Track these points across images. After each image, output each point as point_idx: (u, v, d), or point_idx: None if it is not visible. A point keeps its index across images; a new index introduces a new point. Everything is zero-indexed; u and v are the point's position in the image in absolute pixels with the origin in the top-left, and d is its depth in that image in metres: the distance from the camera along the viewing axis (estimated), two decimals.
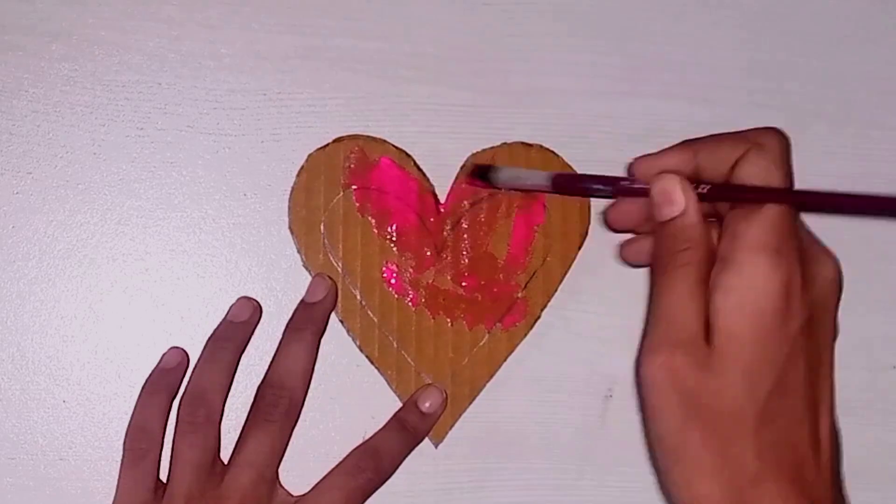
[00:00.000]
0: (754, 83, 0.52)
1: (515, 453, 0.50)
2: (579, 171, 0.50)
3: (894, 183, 0.52)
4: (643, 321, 0.50)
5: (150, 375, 0.48)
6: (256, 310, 0.49)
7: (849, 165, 0.52)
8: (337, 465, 0.48)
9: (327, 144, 0.49)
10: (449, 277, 0.50)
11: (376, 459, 0.47)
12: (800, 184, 0.52)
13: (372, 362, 0.49)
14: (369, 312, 0.49)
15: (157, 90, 0.49)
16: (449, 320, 0.50)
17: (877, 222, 0.52)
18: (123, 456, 0.47)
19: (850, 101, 0.53)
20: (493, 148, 0.50)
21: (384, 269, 0.49)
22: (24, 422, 0.49)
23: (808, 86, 0.52)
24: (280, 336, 0.48)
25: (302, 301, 0.49)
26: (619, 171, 0.50)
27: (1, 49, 0.49)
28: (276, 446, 0.47)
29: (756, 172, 0.41)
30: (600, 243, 0.51)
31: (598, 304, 0.51)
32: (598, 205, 0.50)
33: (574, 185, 0.47)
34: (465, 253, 0.50)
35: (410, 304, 0.50)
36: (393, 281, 0.49)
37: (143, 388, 0.48)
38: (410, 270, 0.50)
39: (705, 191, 0.42)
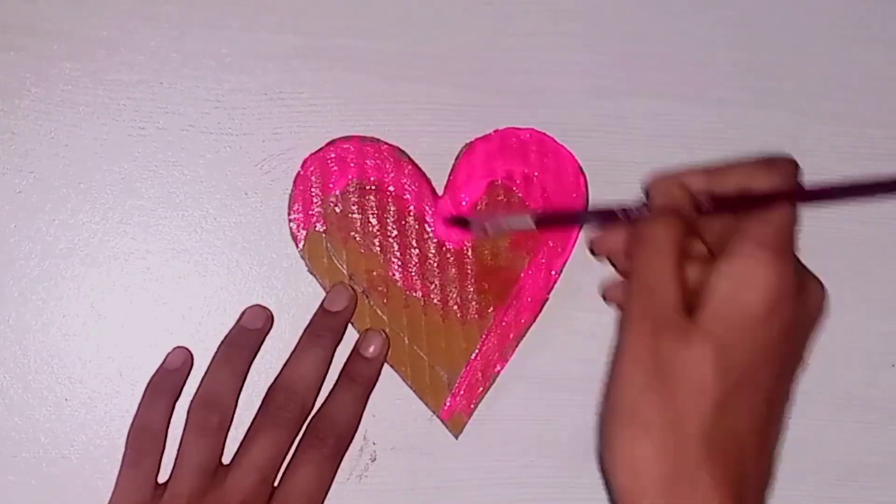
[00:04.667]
0: (754, 83, 0.52)
1: (515, 452, 0.50)
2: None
3: None
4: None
5: (154, 376, 0.48)
6: (269, 318, 0.49)
7: (849, 165, 0.52)
8: (299, 442, 0.47)
9: (321, 148, 0.49)
10: (454, 269, 0.50)
11: (334, 424, 0.47)
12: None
13: (385, 360, 0.49)
14: (378, 311, 0.49)
15: (159, 90, 0.50)
16: (458, 310, 0.50)
17: (876, 222, 0.52)
18: (125, 455, 0.47)
19: (850, 101, 0.53)
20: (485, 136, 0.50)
21: (388, 266, 0.50)
22: (27, 420, 0.49)
23: (808, 86, 0.52)
24: (280, 335, 0.49)
25: (322, 307, 0.49)
26: (618, 171, 0.51)
27: (3, 49, 0.49)
28: (281, 450, 0.47)
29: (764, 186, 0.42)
30: None
31: (599, 302, 0.51)
32: (595, 191, 0.50)
33: (558, 222, 0.48)
34: (468, 243, 0.50)
35: (418, 298, 0.50)
36: (398, 277, 0.50)
37: (146, 388, 0.48)
38: (415, 265, 0.50)
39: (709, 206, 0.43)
